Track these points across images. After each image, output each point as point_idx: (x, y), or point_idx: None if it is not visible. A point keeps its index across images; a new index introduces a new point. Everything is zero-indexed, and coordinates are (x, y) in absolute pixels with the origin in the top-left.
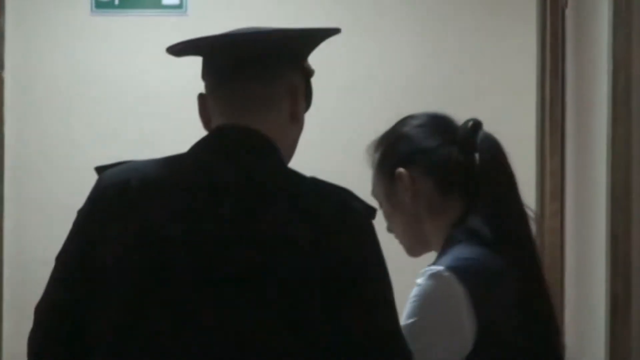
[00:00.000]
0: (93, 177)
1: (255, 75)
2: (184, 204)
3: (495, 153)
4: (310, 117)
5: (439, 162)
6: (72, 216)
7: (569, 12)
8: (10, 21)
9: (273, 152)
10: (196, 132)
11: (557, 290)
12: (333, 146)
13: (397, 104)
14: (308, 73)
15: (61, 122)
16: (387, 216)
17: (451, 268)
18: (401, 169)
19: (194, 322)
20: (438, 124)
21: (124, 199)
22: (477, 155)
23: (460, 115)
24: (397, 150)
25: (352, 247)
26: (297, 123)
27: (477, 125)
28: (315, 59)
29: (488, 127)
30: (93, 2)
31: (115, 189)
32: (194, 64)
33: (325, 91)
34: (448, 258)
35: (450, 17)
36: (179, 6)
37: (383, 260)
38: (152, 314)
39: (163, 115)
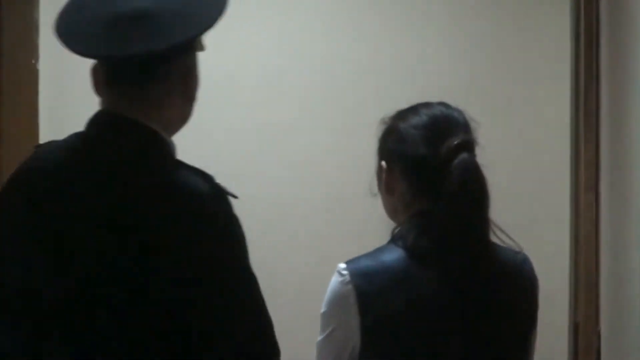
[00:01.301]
0: None
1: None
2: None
3: (465, 178)
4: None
5: (414, 171)
6: None
7: (603, 10)
8: (45, 13)
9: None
10: (235, 119)
11: (592, 282)
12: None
13: (436, 93)
14: (201, 47)
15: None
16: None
17: (350, 267)
18: (383, 163)
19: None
20: (433, 129)
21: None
22: (449, 176)
23: (494, 105)
24: (386, 143)
25: (186, 238)
26: (189, 103)
27: (459, 147)
28: (348, 60)
29: (522, 116)
30: None
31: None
32: (235, 54)
33: (366, 90)
34: (365, 255)
35: (485, 7)
36: None
37: (231, 248)
38: None
39: (205, 103)
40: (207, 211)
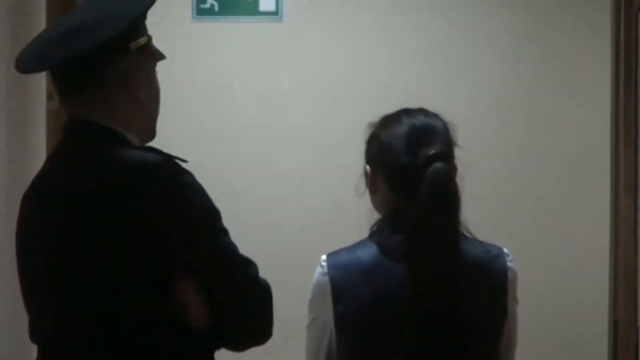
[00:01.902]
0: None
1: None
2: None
3: (436, 185)
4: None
5: (394, 176)
6: None
7: None
8: None
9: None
10: (289, 130)
11: (631, 281)
12: None
13: (488, 101)
14: (141, 51)
15: (162, 123)
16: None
17: (330, 259)
18: (367, 167)
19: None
20: (412, 139)
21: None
22: (422, 183)
23: (541, 111)
24: (370, 148)
25: (151, 202)
26: (136, 103)
27: (434, 157)
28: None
29: (565, 122)
30: (194, 9)
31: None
32: (289, 69)
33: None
34: (345, 249)
35: (532, 25)
36: (275, 13)
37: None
38: None
39: (258, 116)
40: (157, 174)
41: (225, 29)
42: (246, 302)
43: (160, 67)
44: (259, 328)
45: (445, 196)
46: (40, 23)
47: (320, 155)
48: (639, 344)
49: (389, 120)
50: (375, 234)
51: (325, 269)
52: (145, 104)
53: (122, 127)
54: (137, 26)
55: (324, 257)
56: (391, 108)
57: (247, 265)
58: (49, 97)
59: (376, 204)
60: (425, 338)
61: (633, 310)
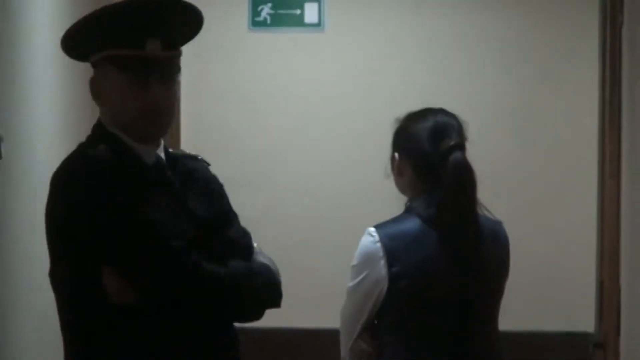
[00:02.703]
0: (244, 177)
1: None
2: None
3: (457, 172)
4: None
5: (420, 163)
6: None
7: (624, 29)
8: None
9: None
10: (327, 127)
11: (614, 248)
12: None
13: (487, 104)
14: (112, 58)
15: (227, 119)
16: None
17: (379, 230)
18: (396, 154)
19: None
20: (435, 132)
21: None
22: (446, 168)
23: (540, 113)
24: (399, 138)
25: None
26: (103, 107)
27: (454, 147)
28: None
29: (562, 122)
30: (250, 20)
31: None
32: (329, 73)
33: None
34: (389, 221)
35: (530, 39)
36: (318, 24)
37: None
38: None
39: (310, 119)
40: (57, 173)
41: (276, 38)
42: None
43: (221, 70)
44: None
45: (465, 179)
46: None
47: (352, 146)
48: (620, 301)
49: (415, 116)
50: (413, 209)
51: (377, 237)
52: (111, 108)
53: (109, 121)
54: (86, 44)
55: (372, 229)
56: (411, 106)
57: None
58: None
59: (401, 185)
60: (460, 289)
61: (616, 272)
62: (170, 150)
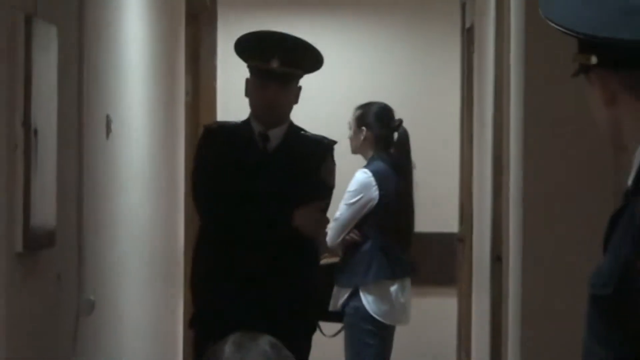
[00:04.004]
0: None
1: None
2: None
3: (403, 139)
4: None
5: (379, 133)
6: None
7: (475, 56)
8: (222, 37)
9: None
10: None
11: (467, 187)
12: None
13: (392, 94)
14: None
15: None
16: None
17: (368, 169)
18: (363, 127)
19: None
20: (386, 112)
21: None
22: (395, 136)
23: (419, 112)
24: (364, 117)
25: None
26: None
27: (400, 122)
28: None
29: (433, 121)
30: None
31: None
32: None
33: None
34: (369, 165)
35: (412, 62)
36: None
37: None
38: None
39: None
40: None
41: None
42: None
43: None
44: None
45: (407, 144)
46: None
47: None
48: (472, 212)
49: (373, 103)
50: (377, 159)
51: (370, 173)
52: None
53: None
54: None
55: (363, 169)
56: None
57: None
58: (186, 93)
59: (364, 148)
60: (408, 203)
61: (469, 200)
62: (303, 131)
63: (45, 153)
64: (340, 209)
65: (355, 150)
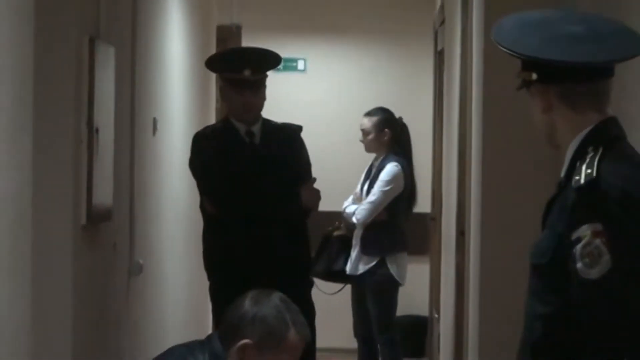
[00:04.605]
0: None
1: None
2: None
3: (407, 134)
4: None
5: (396, 132)
6: None
7: (445, 73)
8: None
9: None
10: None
11: (437, 171)
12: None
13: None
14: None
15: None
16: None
17: (398, 163)
18: (386, 130)
19: None
20: (390, 115)
21: None
22: (400, 129)
23: (402, 111)
24: (386, 121)
25: None
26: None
27: (401, 119)
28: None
29: (412, 123)
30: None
31: None
32: (310, 99)
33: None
34: (394, 159)
35: (394, 78)
36: (303, 70)
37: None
38: None
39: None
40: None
41: (284, 76)
42: None
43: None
44: None
45: (408, 135)
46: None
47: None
48: (442, 194)
49: (385, 110)
50: (398, 154)
51: (400, 167)
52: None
53: (228, 114)
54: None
55: (394, 163)
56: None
57: None
58: (216, 101)
59: (382, 147)
60: (413, 186)
61: (439, 189)
62: (273, 122)
63: (104, 147)
64: (375, 194)
65: (374, 150)
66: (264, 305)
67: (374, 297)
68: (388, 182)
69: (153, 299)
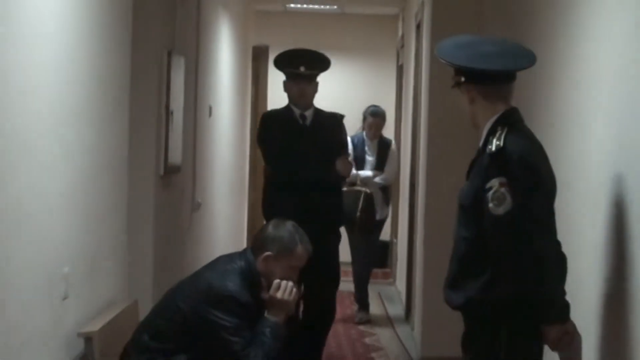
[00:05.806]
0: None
1: None
2: None
3: (381, 115)
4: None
5: (366, 115)
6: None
7: (404, 80)
8: (271, 68)
9: None
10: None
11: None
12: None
13: (349, 101)
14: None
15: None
16: None
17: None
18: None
19: None
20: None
21: None
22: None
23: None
24: (384, 115)
25: None
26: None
27: (374, 106)
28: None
29: (384, 107)
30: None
31: None
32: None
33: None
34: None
35: (367, 84)
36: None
37: None
38: None
39: None
40: None
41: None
42: None
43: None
44: None
45: (384, 117)
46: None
47: None
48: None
49: (379, 106)
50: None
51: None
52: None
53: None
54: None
55: (389, 139)
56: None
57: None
58: (252, 97)
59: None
60: None
61: (397, 185)
62: (323, 110)
63: (177, 124)
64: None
65: (376, 137)
66: (280, 228)
67: (378, 230)
68: (397, 158)
69: (207, 226)
